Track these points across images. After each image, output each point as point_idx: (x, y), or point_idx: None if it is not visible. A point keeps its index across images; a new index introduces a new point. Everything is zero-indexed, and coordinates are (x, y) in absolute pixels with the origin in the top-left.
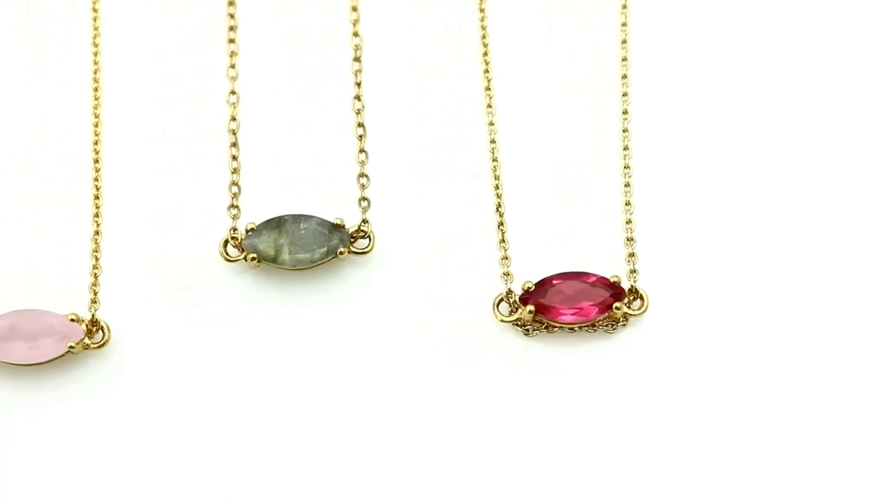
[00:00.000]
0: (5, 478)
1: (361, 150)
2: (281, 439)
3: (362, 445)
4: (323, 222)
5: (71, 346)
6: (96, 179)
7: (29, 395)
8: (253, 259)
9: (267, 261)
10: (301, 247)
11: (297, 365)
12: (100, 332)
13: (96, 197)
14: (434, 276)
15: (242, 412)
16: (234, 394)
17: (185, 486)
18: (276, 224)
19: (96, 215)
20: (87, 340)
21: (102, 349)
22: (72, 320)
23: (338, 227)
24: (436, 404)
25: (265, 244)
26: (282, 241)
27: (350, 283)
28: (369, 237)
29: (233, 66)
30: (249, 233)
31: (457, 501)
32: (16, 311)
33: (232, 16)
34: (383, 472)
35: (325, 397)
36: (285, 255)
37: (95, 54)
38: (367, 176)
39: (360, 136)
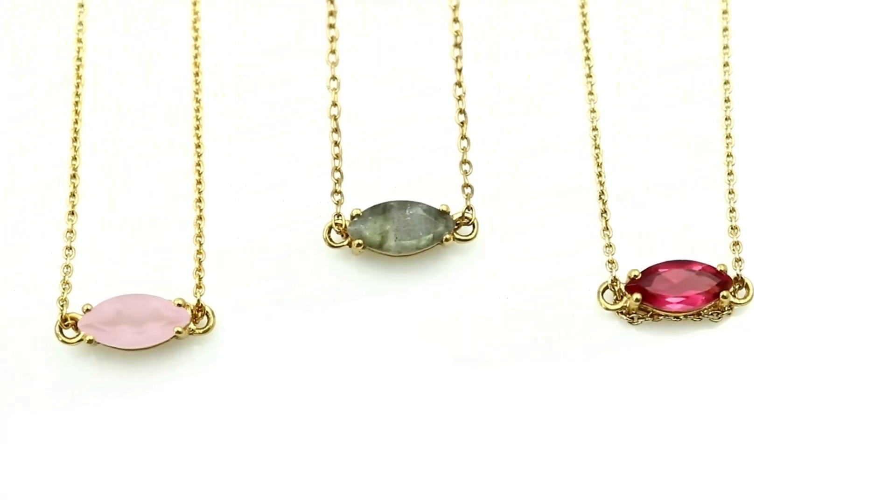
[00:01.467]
0: (108, 461)
1: (463, 137)
2: (381, 424)
3: (466, 431)
4: (429, 209)
5: (178, 332)
6: (198, 165)
7: (132, 379)
8: (358, 245)
9: (372, 247)
10: (407, 233)
11: (398, 351)
12: (204, 317)
13: (198, 182)
14: (535, 264)
15: (342, 398)
16: (334, 380)
17: (285, 470)
18: (382, 210)
19: (199, 200)
20: (192, 326)
21: (206, 335)
22: (178, 305)
23: (443, 214)
24: (540, 393)
25: (371, 230)
26: (387, 227)
27: (452, 270)
28: (473, 224)
29: (333, 52)
30: (355, 219)
31: (567, 487)
32: (122, 296)
33: (331, 1)
34: (490, 456)
35: (427, 384)
36: (391, 242)
37: (196, 38)
38: (469, 163)
39: (462, 123)
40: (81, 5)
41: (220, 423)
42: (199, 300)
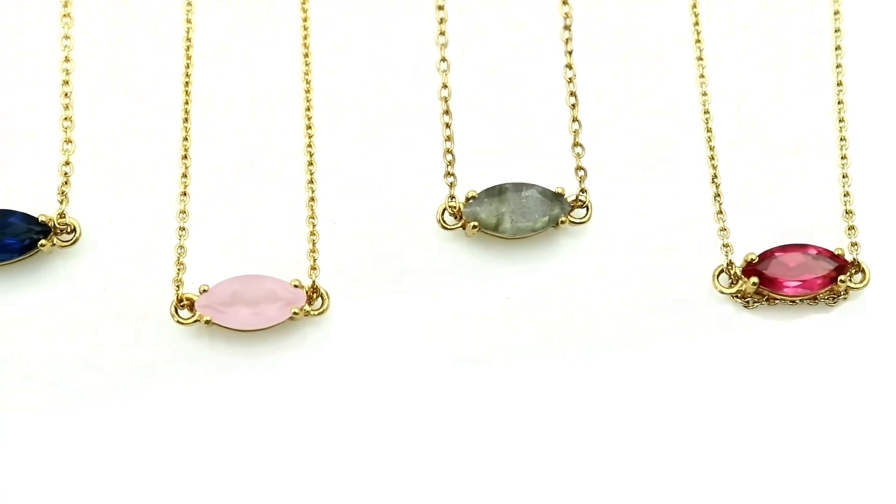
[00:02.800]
0: (220, 440)
1: (574, 120)
2: (499, 405)
3: (585, 405)
4: (544, 191)
5: (295, 313)
6: (309, 146)
7: (243, 359)
8: (474, 227)
9: (487, 229)
10: (523, 215)
11: (512, 335)
12: (319, 298)
13: (310, 164)
14: (646, 247)
15: (452, 382)
16: (445, 363)
17: (392, 453)
18: (498, 192)
19: (310, 182)
20: (306, 307)
21: (320, 316)
22: (295, 286)
23: (558, 196)
24: (659, 376)
25: (487, 212)
26: (503, 209)
27: (564, 253)
28: (587, 207)
29: (442, 34)
30: (470, 201)
31: (694, 468)
32: (238, 277)
33: None
34: (626, 437)
35: (542, 365)
36: (507, 224)
37: (305, 19)
38: (581, 145)
39: (573, 105)
40: None
41: (330, 405)
42: (314, 281)
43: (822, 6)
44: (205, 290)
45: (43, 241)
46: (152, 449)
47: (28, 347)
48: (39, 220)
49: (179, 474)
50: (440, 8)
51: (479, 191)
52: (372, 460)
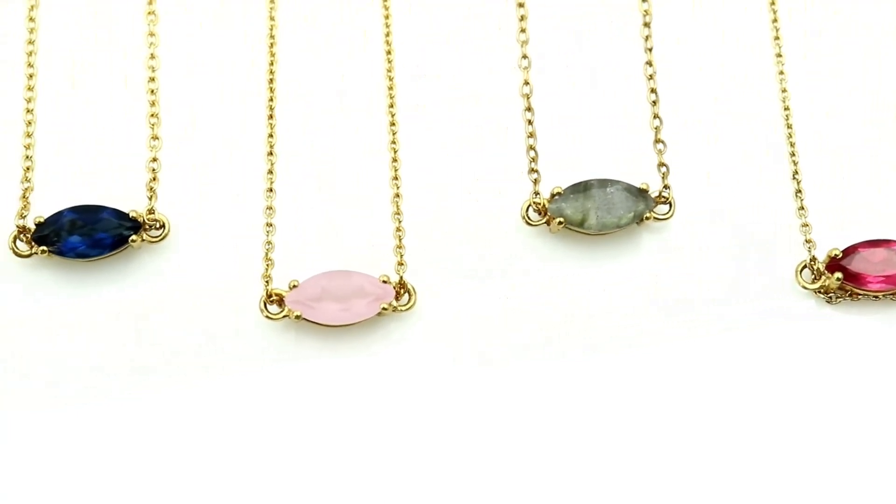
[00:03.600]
0: (308, 434)
1: (655, 116)
2: (579, 403)
3: (671, 398)
4: (629, 187)
5: (384, 308)
6: (393, 143)
7: (330, 354)
8: (559, 223)
9: (573, 225)
10: (608, 211)
11: (595, 327)
12: (406, 294)
13: (394, 160)
14: (728, 243)
15: (541, 376)
16: (531, 358)
17: (480, 450)
18: (583, 188)
19: (395, 178)
20: (394, 303)
21: (407, 312)
22: (384, 282)
23: (643, 192)
24: (741, 369)
25: (572, 208)
26: (589, 205)
27: (646, 249)
28: (670, 203)
29: (523, 31)
30: (555, 197)
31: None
32: (327, 273)
33: None
34: (682, 440)
35: (625, 360)
36: (592, 220)
37: (387, 16)
38: (663, 142)
39: (654, 102)
40: None
41: (414, 400)
42: (401, 277)
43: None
44: (295, 286)
45: (133, 237)
46: (240, 442)
47: (117, 340)
48: (130, 215)
49: (267, 468)
50: (521, 5)
51: (563, 187)
52: (457, 455)
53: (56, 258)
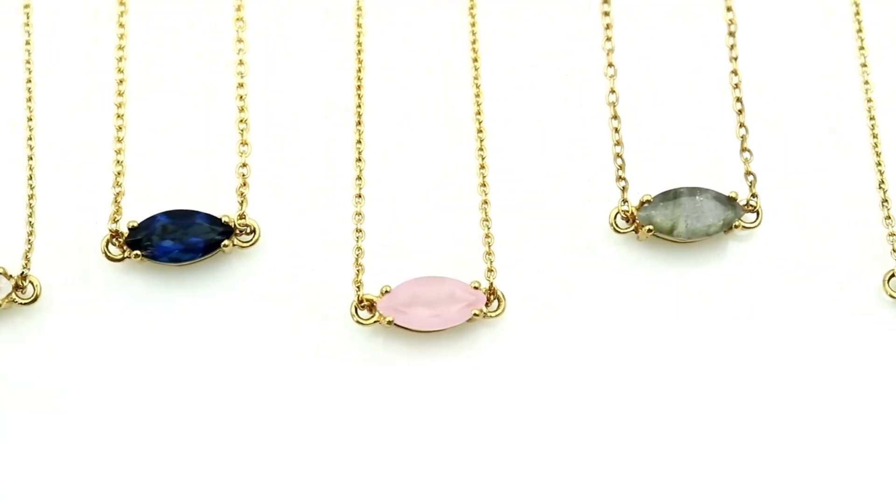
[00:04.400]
0: (397, 438)
1: (741, 125)
2: (667, 411)
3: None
4: (719, 195)
5: (475, 314)
6: (481, 150)
7: (419, 360)
8: (648, 230)
9: (662, 233)
10: (698, 219)
11: (684, 334)
12: (496, 300)
13: (482, 167)
14: (814, 252)
15: (627, 385)
16: (618, 365)
17: (565, 457)
18: (673, 196)
19: (483, 184)
20: (484, 309)
21: (496, 318)
22: (475, 288)
23: (732, 201)
24: (825, 381)
25: (662, 216)
26: (678, 213)
27: (732, 257)
28: (758, 212)
29: (608, 39)
30: (645, 205)
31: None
32: (418, 279)
33: None
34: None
35: (713, 367)
36: (682, 228)
37: (473, 26)
38: (749, 150)
39: (740, 111)
40: None
41: (502, 406)
42: (491, 283)
43: None
44: (387, 291)
45: (226, 242)
46: (329, 446)
47: (206, 344)
48: (223, 220)
49: (357, 470)
50: (606, 14)
51: (653, 195)
52: (543, 462)
53: (147, 262)
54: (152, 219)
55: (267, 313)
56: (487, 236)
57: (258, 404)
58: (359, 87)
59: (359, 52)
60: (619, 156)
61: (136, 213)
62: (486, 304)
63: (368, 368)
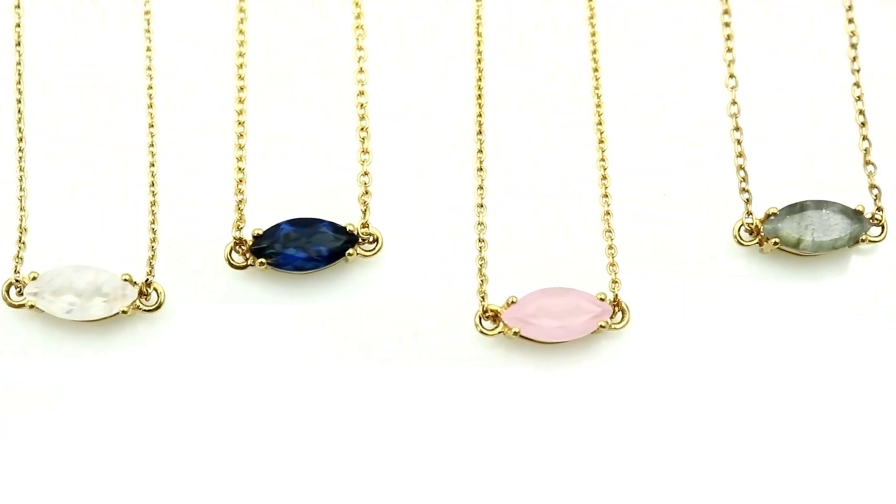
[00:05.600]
0: (519, 447)
1: (864, 138)
2: (787, 423)
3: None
4: (845, 209)
5: (601, 325)
6: (602, 160)
7: (541, 370)
8: (774, 243)
9: (788, 246)
10: (824, 232)
11: (809, 346)
12: (620, 312)
13: (603, 178)
14: None
15: (752, 396)
16: (740, 376)
17: (694, 467)
18: (799, 209)
19: (605, 195)
20: (609, 320)
21: (621, 329)
22: (601, 299)
23: (858, 214)
24: None
25: (788, 229)
26: (805, 226)
27: (856, 270)
28: (883, 226)
29: (729, 50)
30: (771, 217)
31: None
32: (543, 290)
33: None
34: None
35: (837, 378)
36: (808, 241)
37: (593, 34)
38: (873, 164)
39: (863, 124)
40: None
41: (623, 419)
42: (616, 295)
43: None
44: (513, 302)
45: (350, 251)
46: (450, 455)
47: (328, 352)
48: (347, 229)
49: (483, 479)
50: (726, 25)
51: (779, 207)
52: (665, 473)
53: (269, 270)
54: (276, 227)
55: (387, 322)
56: (610, 247)
57: (378, 414)
58: (479, 97)
59: (479, 60)
60: (741, 168)
61: (256, 221)
62: (612, 316)
63: (490, 378)
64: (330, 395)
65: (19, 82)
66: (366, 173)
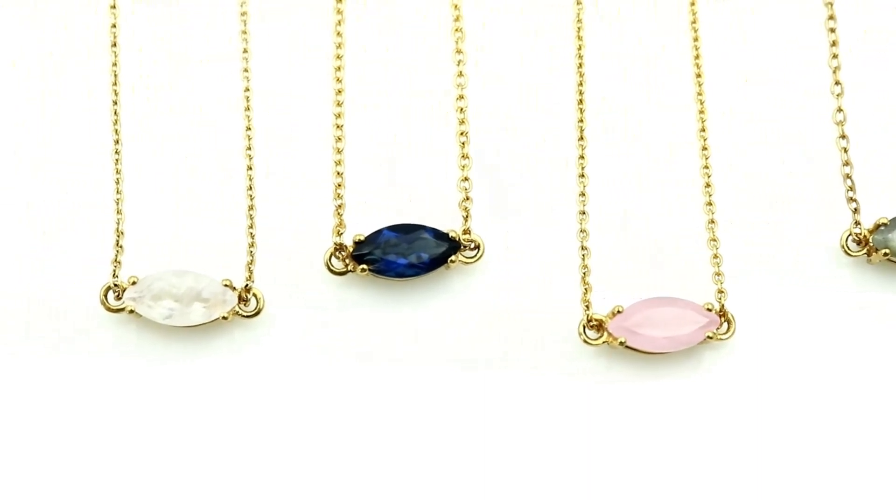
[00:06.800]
0: (619, 455)
1: None
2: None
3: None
4: None
5: (709, 336)
6: (706, 167)
7: (641, 380)
8: (885, 254)
9: None
10: None
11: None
12: (726, 323)
13: (707, 185)
14: None
15: (868, 411)
16: (849, 391)
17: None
18: None
19: (709, 203)
20: (716, 331)
21: (724, 341)
22: (708, 310)
23: None
24: None
25: None
26: None
27: None
28: None
29: (835, 56)
30: (880, 228)
31: None
32: (650, 300)
33: (830, 4)
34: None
35: None
36: None
37: (696, 47)
38: None
39: None
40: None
41: (725, 432)
42: (722, 305)
43: None
44: (619, 312)
45: (452, 257)
46: (550, 467)
47: (427, 360)
48: (449, 235)
49: (584, 491)
50: (832, 31)
51: (889, 218)
52: (767, 485)
53: (369, 276)
54: (378, 233)
55: (487, 331)
56: (715, 256)
57: (478, 423)
58: (580, 101)
59: (580, 65)
60: (848, 176)
61: (354, 227)
62: (718, 327)
63: (592, 389)
64: (430, 404)
65: (115, 83)
66: (466, 178)
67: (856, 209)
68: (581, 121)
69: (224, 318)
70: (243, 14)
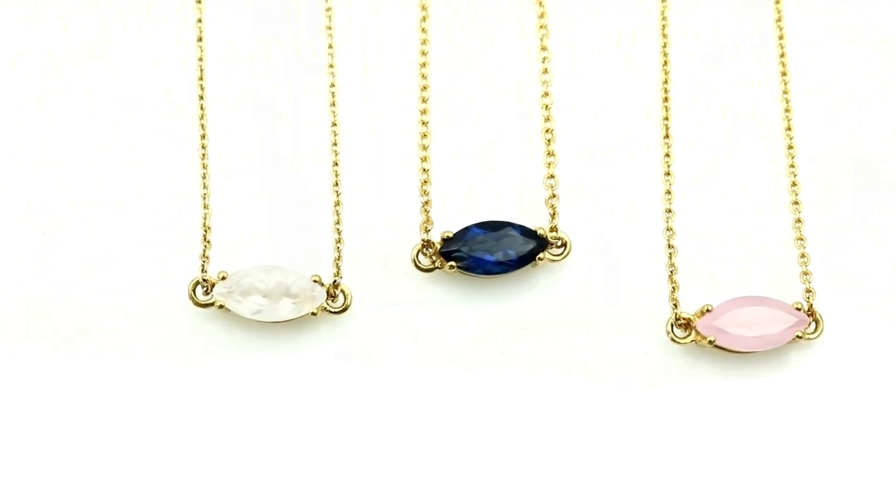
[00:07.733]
0: (703, 453)
1: None
2: None
3: None
4: None
5: (798, 336)
6: (792, 166)
7: (726, 380)
8: None
9: None
10: None
11: None
12: (814, 323)
13: (793, 185)
14: None
15: None
16: None
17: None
18: None
19: (795, 202)
20: (804, 330)
21: (810, 341)
22: (797, 309)
23: None
24: None
25: None
26: None
27: None
28: None
29: None
30: None
31: None
32: (736, 299)
33: None
34: None
35: None
36: None
37: (781, 50)
38: None
39: None
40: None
41: (806, 432)
42: (811, 305)
43: None
44: (708, 311)
45: (540, 255)
46: (642, 466)
47: (513, 356)
48: (537, 233)
49: (676, 493)
50: None
51: None
52: (858, 487)
53: (455, 273)
54: (466, 230)
55: (571, 327)
56: (803, 255)
57: (557, 419)
58: (665, 99)
59: (664, 63)
60: None
61: (441, 224)
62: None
63: (680, 387)
64: (519, 404)
65: (201, 78)
66: (552, 176)
67: None
68: (667, 119)
69: (313, 314)
70: (328, 10)
